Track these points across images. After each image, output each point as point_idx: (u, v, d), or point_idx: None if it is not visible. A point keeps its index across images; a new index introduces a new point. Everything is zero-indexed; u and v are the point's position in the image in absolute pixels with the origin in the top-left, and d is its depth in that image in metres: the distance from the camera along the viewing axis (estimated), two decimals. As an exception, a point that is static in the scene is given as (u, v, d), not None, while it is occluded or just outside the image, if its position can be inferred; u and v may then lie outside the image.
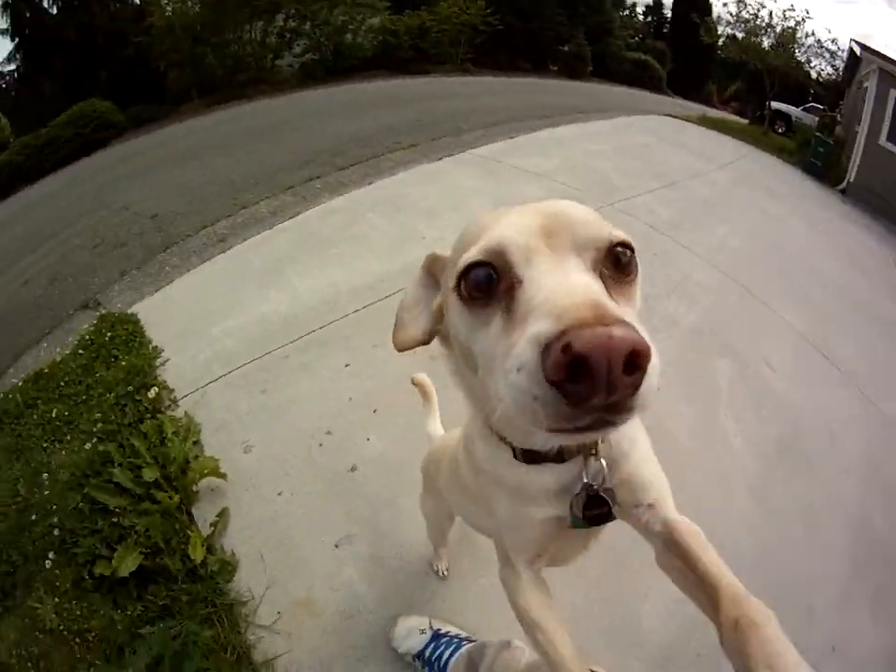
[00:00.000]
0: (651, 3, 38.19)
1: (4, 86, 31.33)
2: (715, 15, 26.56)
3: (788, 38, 15.29)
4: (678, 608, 2.08)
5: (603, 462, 0.83)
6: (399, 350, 0.85)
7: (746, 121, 15.82)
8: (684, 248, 4.57)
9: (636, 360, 0.46)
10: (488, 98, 12.83)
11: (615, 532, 0.98)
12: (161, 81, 24.15)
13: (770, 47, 15.53)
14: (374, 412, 2.83)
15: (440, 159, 6.43)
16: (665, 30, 36.70)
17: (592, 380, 0.45)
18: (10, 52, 27.60)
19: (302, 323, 3.48)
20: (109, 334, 3.77)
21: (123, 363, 3.37)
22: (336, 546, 2.26)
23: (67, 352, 3.91)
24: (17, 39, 26.63)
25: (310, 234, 4.72)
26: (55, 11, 25.56)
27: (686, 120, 10.14)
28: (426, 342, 0.82)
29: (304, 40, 24.61)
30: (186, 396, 3.08)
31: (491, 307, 0.59)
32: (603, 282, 0.58)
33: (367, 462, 2.57)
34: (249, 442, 2.72)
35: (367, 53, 24.41)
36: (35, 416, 3.39)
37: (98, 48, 25.22)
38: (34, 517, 2.63)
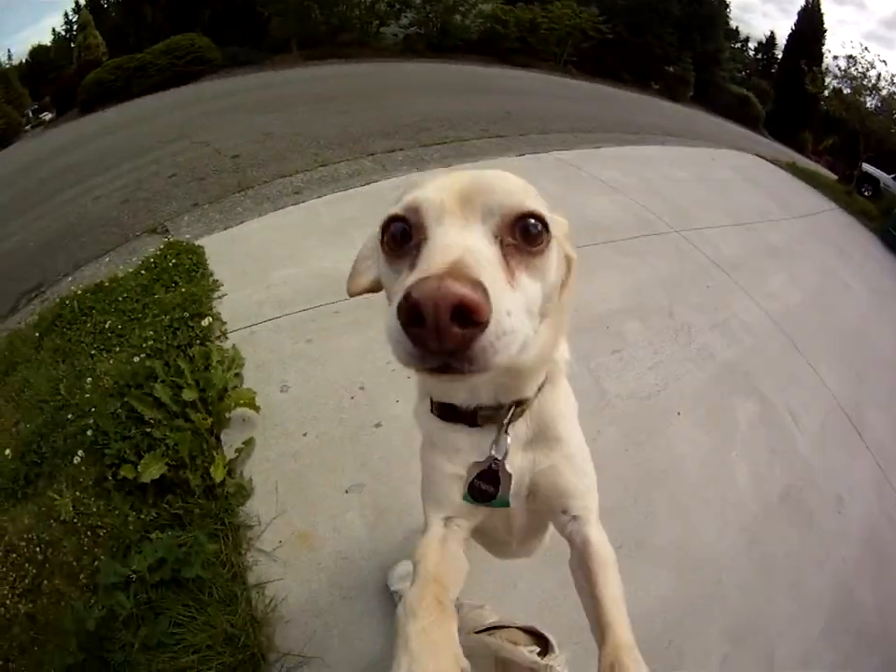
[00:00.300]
0: (765, 40, 37.49)
1: (106, 6, 32.43)
2: (825, 65, 25.94)
3: (892, 104, 14.87)
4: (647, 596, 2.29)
5: (508, 440, 0.90)
6: (351, 295, 0.92)
7: (834, 177, 15.41)
8: (739, 288, 4.59)
9: (465, 313, 0.51)
10: (583, 104, 12.83)
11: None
12: (262, 27, 24.55)
13: (873, 109, 15.14)
14: (408, 377, 2.88)
15: (522, 154, 6.50)
16: (773, 70, 35.96)
17: (425, 325, 0.52)
18: None
19: None
20: (173, 261, 3.94)
21: (182, 290, 3.55)
22: (346, 491, 2.41)
23: (129, 270, 4.10)
24: None
25: (381, 202, 4.71)
26: (163, -60, 25.90)
27: (774, 164, 9.93)
28: (373, 290, 0.88)
29: (413, 13, 24.69)
30: (236, 330, 3.24)
31: (402, 259, 0.66)
32: (503, 248, 0.64)
33: (391, 421, 2.69)
34: (287, 383, 2.88)
35: (472, 36, 24.47)
36: (89, 325, 3.61)
37: None
38: (69, 416, 2.82)
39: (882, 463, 3.76)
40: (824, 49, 30.64)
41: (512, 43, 24.16)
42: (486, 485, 0.90)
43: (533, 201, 0.69)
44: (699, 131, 13.17)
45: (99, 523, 2.32)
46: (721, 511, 2.79)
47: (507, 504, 0.93)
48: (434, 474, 0.98)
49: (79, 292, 4.00)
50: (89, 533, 2.31)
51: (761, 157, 10.22)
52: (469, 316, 0.51)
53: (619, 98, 17.16)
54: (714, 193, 6.51)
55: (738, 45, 36.54)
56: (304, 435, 2.63)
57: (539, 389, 0.94)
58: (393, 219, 0.68)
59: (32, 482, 2.71)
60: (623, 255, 4.49)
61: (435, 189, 0.68)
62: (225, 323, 3.30)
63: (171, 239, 4.58)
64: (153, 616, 1.93)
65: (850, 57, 16.23)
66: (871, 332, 5.38)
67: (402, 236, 0.67)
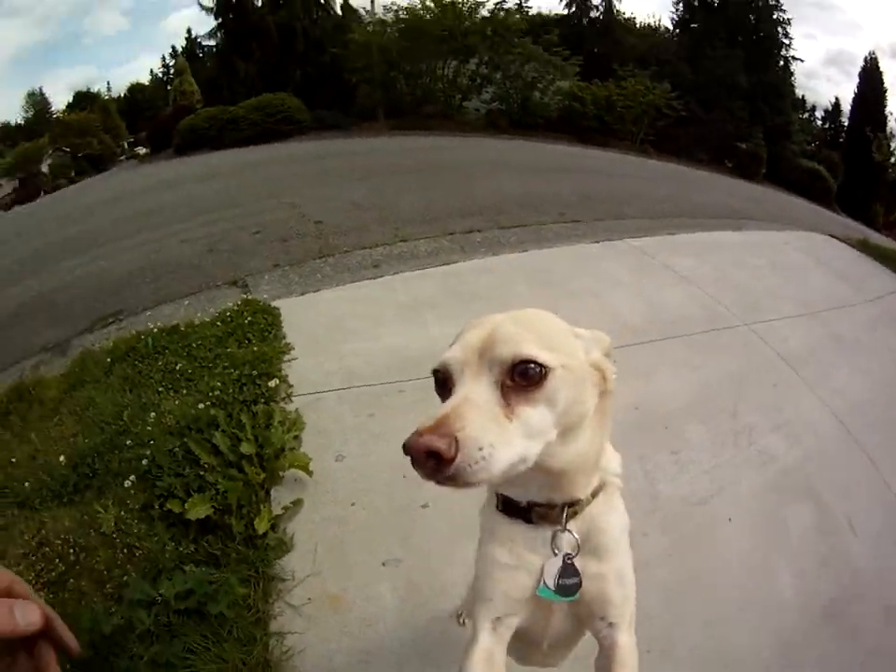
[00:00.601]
0: (831, 107, 37.14)
1: (202, 56, 34.54)
2: (889, 129, 25.54)
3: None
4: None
5: (576, 535, 1.03)
6: None
7: None
8: (805, 385, 4.43)
9: (436, 455, 0.74)
10: (659, 185, 12.92)
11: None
12: (350, 93, 25.70)
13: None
14: None
15: (598, 241, 6.60)
16: (840, 138, 35.66)
17: (413, 461, 0.77)
18: (212, 29, 30.67)
19: (426, 365, 3.60)
20: (249, 318, 4.16)
21: (255, 348, 3.75)
22: (383, 564, 2.48)
23: (206, 319, 4.33)
24: (220, 19, 29.44)
25: (458, 284, 4.98)
26: (259, 3, 28.18)
27: (846, 242, 9.75)
28: None
29: (494, 88, 25.71)
30: (302, 395, 3.39)
31: (445, 398, 0.86)
32: (504, 390, 0.83)
33: (439, 504, 2.75)
34: (343, 453, 3.01)
35: (552, 114, 25.32)
36: (160, 362, 3.83)
37: (295, 47, 27.24)
38: (128, 442, 3.03)
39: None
40: (887, 110, 30.40)
41: (591, 121, 24.90)
42: (569, 579, 1.02)
43: (528, 346, 0.84)
44: (773, 210, 13.00)
45: (137, 543, 2.49)
46: (758, 624, 2.68)
47: (574, 596, 1.04)
48: (492, 568, 1.08)
49: (155, 330, 4.23)
50: (125, 550, 2.48)
51: (833, 236, 10.03)
52: (440, 456, 0.74)
53: (694, 179, 17.11)
54: (786, 280, 6.42)
55: (806, 114, 36.18)
56: (352, 504, 2.73)
57: (594, 496, 1.07)
58: (435, 372, 0.92)
59: (80, 491, 2.90)
60: (690, 350, 4.48)
61: (461, 347, 0.90)
62: (292, 386, 3.46)
63: (249, 296, 4.84)
64: (169, 638, 2.04)
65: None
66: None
67: (443, 384, 0.90)
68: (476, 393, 0.82)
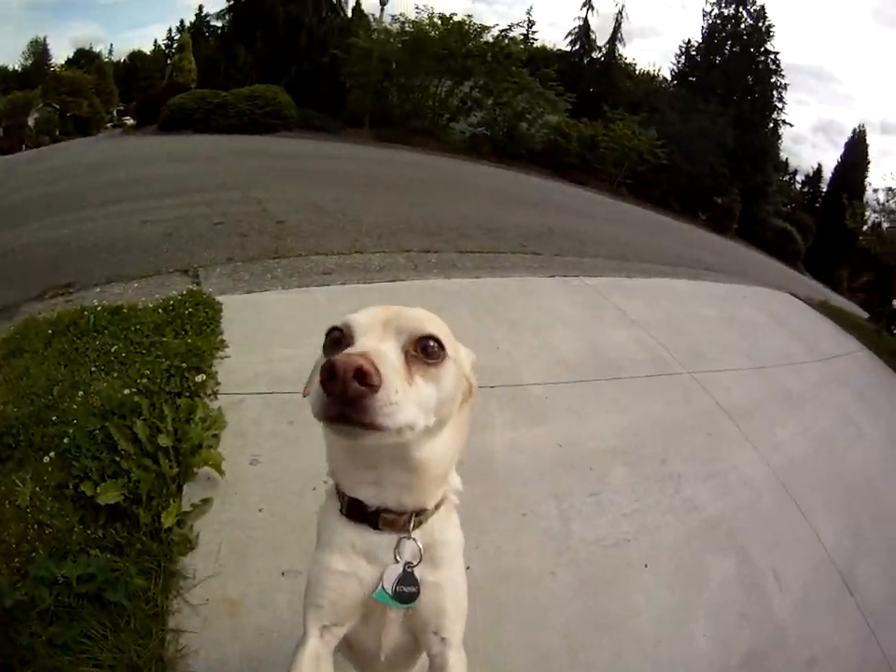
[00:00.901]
0: (812, 173, 38.47)
1: (207, 35, 34.54)
2: (865, 198, 26.30)
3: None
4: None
5: (419, 544, 1.12)
6: (304, 396, 1.07)
7: (866, 315, 14.98)
8: (744, 439, 4.42)
9: (362, 377, 0.77)
10: (628, 229, 13.31)
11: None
12: (342, 98, 25.89)
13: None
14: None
15: (552, 276, 6.73)
16: (817, 203, 36.70)
17: (335, 378, 0.77)
18: (222, 10, 31.03)
19: None
20: (190, 309, 4.24)
21: (189, 341, 3.82)
22: (283, 574, 2.54)
23: (150, 305, 4.41)
24: (232, 1, 29.63)
25: (402, 303, 4.82)
26: (272, -7, 27.75)
27: (807, 302, 9.84)
28: None
29: (483, 113, 26.23)
30: (228, 394, 3.48)
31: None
32: (408, 357, 0.92)
33: None
34: (258, 458, 3.08)
35: (536, 146, 25.88)
36: (97, 342, 3.88)
37: (298, 42, 27.49)
38: (53, 418, 3.09)
39: (875, 628, 3.48)
40: (867, 181, 31.84)
41: (573, 158, 25.61)
42: (408, 587, 1.09)
43: (434, 327, 0.96)
44: (737, 266, 13.41)
45: (48, 521, 2.54)
46: (668, 670, 2.67)
47: (412, 604, 1.11)
48: (324, 575, 1.13)
49: (99, 308, 4.30)
50: (36, 526, 2.53)
51: (794, 295, 10.16)
52: (364, 379, 0.77)
53: (664, 227, 17.51)
54: (738, 333, 6.51)
55: (787, 177, 37.31)
56: (260, 510, 2.80)
57: (437, 508, 1.16)
58: (333, 329, 1.00)
59: (2, 460, 2.94)
60: (627, 393, 4.48)
61: (367, 314, 0.99)
62: (219, 384, 3.54)
63: (195, 287, 4.93)
64: (68, 620, 2.11)
65: (890, 189, 16.34)
66: (880, 481, 5.11)
67: (337, 342, 0.97)
68: (386, 348, 0.89)
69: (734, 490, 3.92)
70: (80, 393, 3.30)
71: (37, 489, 2.70)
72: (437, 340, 0.95)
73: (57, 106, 36.38)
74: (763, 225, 30.01)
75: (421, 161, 17.18)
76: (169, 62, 38.98)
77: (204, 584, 2.44)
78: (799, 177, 39.76)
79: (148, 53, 54.10)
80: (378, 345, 0.89)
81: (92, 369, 3.60)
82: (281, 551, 2.65)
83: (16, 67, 47.97)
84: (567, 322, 5.45)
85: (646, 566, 3.08)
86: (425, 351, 0.92)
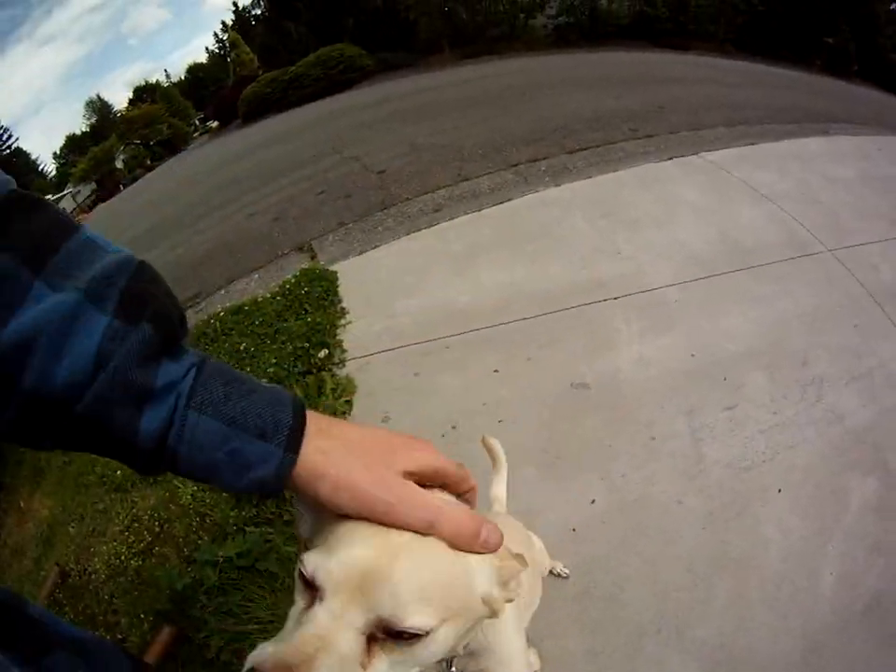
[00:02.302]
0: None
1: (253, 24, 35.45)
2: None
3: None
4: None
5: None
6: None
7: None
8: (892, 326, 3.88)
9: None
10: (742, 89, 12.28)
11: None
12: (411, 29, 25.56)
13: None
14: (499, 422, 3.13)
15: (669, 158, 6.33)
16: None
17: None
18: None
19: (473, 318, 3.82)
20: (306, 288, 4.39)
21: (309, 319, 3.98)
22: None
23: (268, 295, 4.59)
24: None
25: (515, 224, 4.99)
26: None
27: None
28: None
29: (558, 2, 25.00)
30: (354, 359, 3.60)
31: (304, 592, 0.73)
32: (369, 639, 0.69)
33: (473, 465, 2.81)
34: (389, 414, 3.19)
35: (623, 21, 24.36)
36: (227, 344, 4.14)
37: None
38: None
39: None
40: None
41: (665, 24, 23.80)
42: None
43: (420, 617, 0.70)
44: (865, 111, 12.14)
45: (208, 512, 2.94)
46: (787, 613, 2.44)
47: None
48: None
49: (222, 313, 4.55)
50: (198, 518, 2.95)
51: None
52: None
53: (780, 79, 15.86)
54: (878, 195, 5.69)
55: (893, 6, 33.25)
56: (394, 466, 2.91)
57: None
58: (301, 570, 0.74)
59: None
60: (763, 283, 4.12)
61: (343, 566, 0.71)
62: (345, 351, 3.67)
63: (315, 260, 5.11)
64: (231, 590, 2.43)
65: None
66: None
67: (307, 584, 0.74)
68: (338, 640, 0.68)
69: (881, 393, 3.40)
70: None
71: (195, 488, 3.09)
72: (416, 632, 0.71)
73: (139, 141, 38.90)
74: (881, 62, 26.80)
75: (509, 67, 16.60)
76: (228, 60, 40.58)
77: None
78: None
79: (205, 62, 56.45)
80: (328, 638, 0.68)
81: (227, 371, 3.81)
82: None
83: (83, 129, 51.80)
84: (691, 209, 5.12)
85: (780, 490, 2.85)
86: (394, 638, 0.71)
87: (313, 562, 0.72)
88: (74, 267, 0.60)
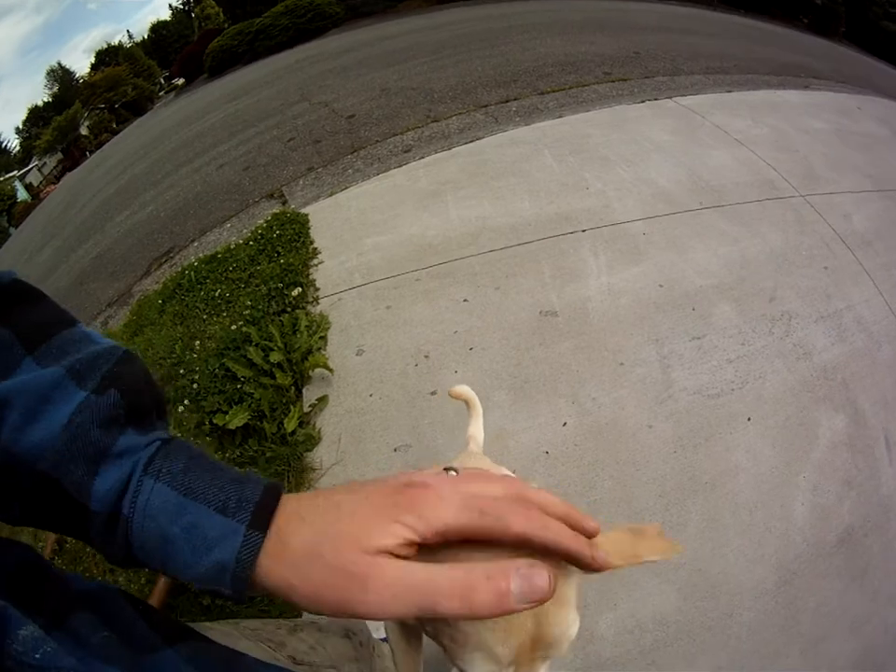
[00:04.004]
0: None
1: None
2: None
3: None
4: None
5: None
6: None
7: None
8: (864, 272, 3.97)
9: None
10: (723, 40, 12.23)
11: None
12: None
13: None
14: (470, 349, 3.23)
15: (642, 101, 6.37)
16: None
17: None
18: None
19: (441, 251, 3.91)
20: (278, 231, 4.46)
21: (282, 261, 4.06)
22: (395, 450, 2.79)
23: (240, 241, 4.65)
24: None
25: (483, 162, 5.03)
26: None
27: None
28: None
29: None
30: (327, 296, 3.69)
31: None
32: None
33: (445, 390, 2.75)
34: (363, 347, 3.30)
35: None
36: (202, 292, 4.22)
37: None
38: (181, 371, 3.48)
39: None
40: None
41: None
42: None
43: (575, 627, 0.68)
44: (849, 72, 11.96)
45: None
46: (761, 541, 2.56)
47: None
48: None
49: (196, 263, 4.61)
50: None
51: None
52: None
53: (764, 34, 15.67)
54: (855, 150, 5.75)
55: None
56: (370, 395, 3.04)
57: None
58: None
59: None
60: (732, 222, 4.19)
61: (511, 649, 0.63)
62: (318, 290, 3.76)
63: (286, 206, 5.17)
64: None
65: None
66: None
67: None
68: None
69: (850, 335, 3.55)
70: (197, 343, 3.66)
71: (179, 433, 3.13)
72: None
73: (103, 105, 38.27)
74: (872, 28, 26.53)
75: (483, 12, 16.33)
76: (192, 15, 39.88)
77: (331, 472, 2.75)
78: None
79: (169, 19, 55.28)
80: None
81: (204, 317, 3.95)
82: (391, 429, 2.89)
83: (45, 99, 50.87)
84: (660, 150, 5.16)
85: (749, 419, 2.97)
86: None
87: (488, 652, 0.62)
88: (64, 353, 0.63)
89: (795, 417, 3.03)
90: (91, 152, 32.74)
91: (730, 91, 7.05)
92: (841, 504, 2.77)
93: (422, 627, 0.74)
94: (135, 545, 0.58)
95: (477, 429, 1.88)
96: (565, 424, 2.85)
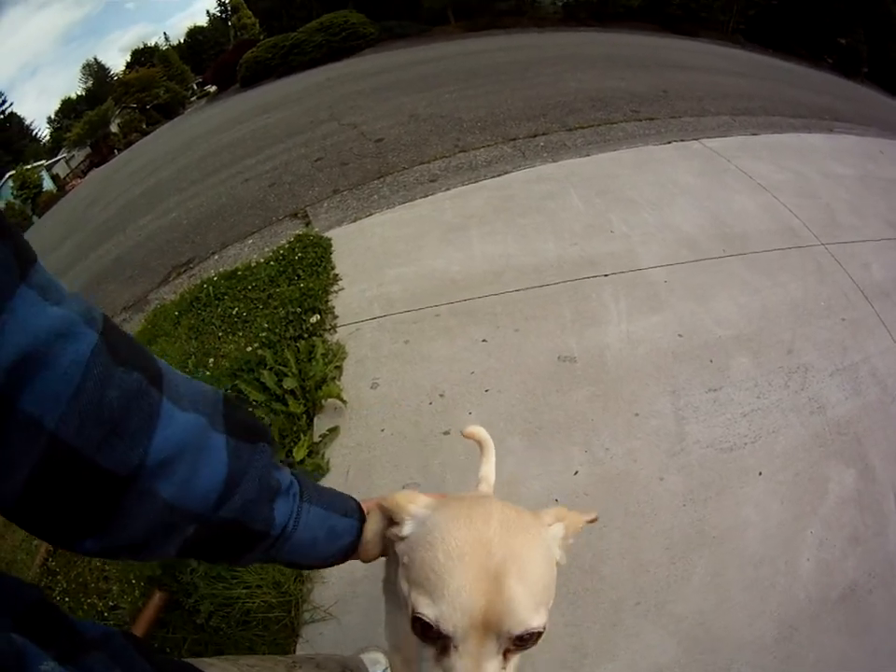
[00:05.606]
0: None
1: None
2: None
3: None
4: None
5: None
6: (367, 562, 1.09)
7: None
8: (881, 324, 3.91)
9: None
10: (749, 80, 12.22)
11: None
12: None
13: None
14: (486, 391, 3.19)
15: (669, 142, 6.35)
16: None
17: None
18: None
19: (463, 288, 3.87)
20: (300, 254, 4.44)
21: (302, 284, 4.03)
22: (403, 487, 2.70)
23: (261, 260, 4.65)
24: None
25: (509, 197, 5.01)
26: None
27: None
28: (385, 555, 1.09)
29: None
30: (345, 325, 3.66)
31: (430, 640, 0.81)
32: (505, 654, 0.81)
33: (458, 430, 2.80)
34: (378, 381, 3.26)
35: (633, 3, 24.41)
36: (220, 309, 4.20)
37: None
38: None
39: None
40: None
41: (675, 9, 23.88)
42: None
43: (535, 618, 0.80)
44: (871, 113, 12.14)
45: None
46: (764, 595, 2.52)
47: None
48: None
49: (216, 278, 4.60)
50: None
51: None
52: None
53: (788, 73, 15.76)
54: (876, 196, 5.68)
55: None
56: (382, 430, 2.99)
57: None
58: (419, 620, 0.80)
59: None
60: (754, 271, 4.17)
61: (462, 612, 0.78)
62: (337, 317, 3.73)
63: (309, 227, 5.16)
64: None
65: None
66: None
67: (430, 628, 0.80)
68: (487, 669, 0.79)
69: (864, 388, 3.49)
70: (211, 360, 3.63)
71: None
72: (538, 631, 0.83)
73: (135, 105, 38.71)
74: (894, 68, 26.68)
75: (515, 42, 16.53)
76: (229, 24, 40.41)
77: None
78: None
79: (206, 25, 55.99)
80: (479, 667, 0.79)
81: (220, 334, 3.92)
82: (401, 466, 2.85)
83: (79, 93, 51.52)
84: (685, 193, 5.13)
85: (760, 473, 2.93)
86: (522, 641, 0.82)
87: (431, 614, 0.79)
88: (182, 389, 0.76)
89: (806, 472, 2.99)
90: (120, 150, 33.14)
91: (755, 135, 7.03)
92: (846, 560, 2.71)
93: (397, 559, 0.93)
94: (286, 548, 0.89)
95: (489, 471, 1.85)
96: (576, 472, 2.80)
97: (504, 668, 0.81)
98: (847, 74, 23.18)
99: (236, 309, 4.08)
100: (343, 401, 3.11)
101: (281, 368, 3.23)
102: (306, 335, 3.55)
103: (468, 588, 0.78)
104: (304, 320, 3.66)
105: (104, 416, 0.61)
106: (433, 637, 0.79)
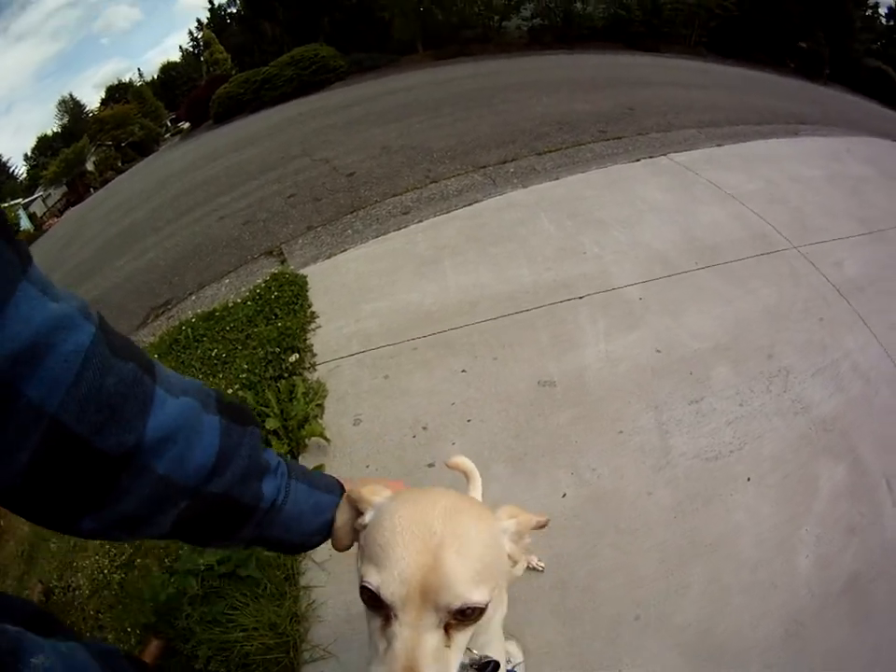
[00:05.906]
0: (894, 3, 34.74)
1: (229, 22, 35.69)
2: None
3: None
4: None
5: None
6: (340, 551, 1.19)
7: None
8: (859, 319, 4.02)
9: None
10: (712, 91, 12.56)
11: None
12: (385, 30, 25.87)
13: None
14: (468, 421, 3.21)
15: (637, 160, 6.45)
16: None
17: None
18: None
19: (439, 320, 3.90)
20: (276, 293, 4.46)
21: (279, 324, 4.05)
22: None
23: (238, 300, 4.65)
24: None
25: (481, 226, 5.06)
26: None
27: None
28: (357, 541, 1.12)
29: (533, 4, 25.56)
30: (324, 363, 3.68)
31: (376, 610, 0.87)
32: (447, 628, 0.85)
33: (442, 462, 2.59)
34: (360, 417, 3.27)
35: (597, 23, 24.82)
36: (199, 351, 4.19)
37: None
38: None
39: None
40: None
41: (638, 27, 24.32)
42: None
43: (473, 592, 0.85)
44: (836, 114, 12.44)
45: None
46: (766, 597, 2.53)
47: None
48: None
49: (194, 319, 4.60)
50: None
51: None
52: None
53: (752, 81, 16.23)
54: (845, 195, 5.84)
55: (868, 12, 33.80)
56: (367, 467, 2.99)
57: None
58: (366, 590, 0.86)
59: None
60: (727, 281, 4.24)
61: (401, 581, 0.84)
62: (315, 355, 3.75)
63: (284, 265, 5.19)
64: (214, 598, 2.48)
65: None
66: None
67: (375, 597, 0.85)
68: (426, 640, 0.83)
69: (847, 383, 3.58)
70: None
71: None
72: (478, 605, 0.87)
73: (110, 142, 38.74)
74: (855, 66, 27.39)
75: (482, 69, 16.74)
76: (202, 59, 40.65)
77: (326, 543, 2.65)
78: (882, 11, 35.82)
79: (179, 61, 56.28)
80: (420, 643, 0.83)
81: (200, 377, 3.89)
82: None
83: (55, 129, 51.56)
84: (657, 209, 5.22)
85: (749, 479, 2.97)
86: (463, 615, 0.86)
87: (374, 581, 0.86)
88: (173, 381, 0.86)
89: (795, 473, 3.03)
90: (96, 188, 33.08)
91: (720, 145, 7.14)
92: (844, 552, 2.75)
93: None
94: (276, 522, 0.99)
95: (477, 497, 1.88)
96: (564, 495, 2.82)
97: (448, 646, 0.85)
98: (810, 76, 23.66)
99: (215, 350, 4.08)
100: (327, 439, 3.12)
101: (263, 409, 3.24)
102: (286, 374, 3.56)
103: (407, 560, 0.85)
104: (283, 360, 3.68)
105: (102, 402, 0.68)
106: (378, 607, 0.86)
